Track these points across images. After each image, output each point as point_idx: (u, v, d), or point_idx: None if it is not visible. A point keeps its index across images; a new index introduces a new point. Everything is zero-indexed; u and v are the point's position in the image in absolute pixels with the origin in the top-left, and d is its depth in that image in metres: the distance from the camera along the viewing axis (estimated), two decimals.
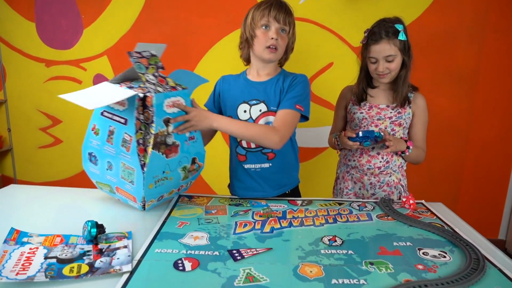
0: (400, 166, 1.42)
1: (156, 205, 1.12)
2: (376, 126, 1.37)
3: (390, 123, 1.36)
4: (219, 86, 1.32)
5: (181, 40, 2.17)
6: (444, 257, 0.85)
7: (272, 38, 1.16)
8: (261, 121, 1.22)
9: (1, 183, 2.41)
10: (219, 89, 1.32)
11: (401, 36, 1.25)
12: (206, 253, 0.84)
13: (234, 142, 1.29)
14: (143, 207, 1.07)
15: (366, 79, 1.39)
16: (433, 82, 2.12)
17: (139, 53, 1.06)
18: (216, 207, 1.12)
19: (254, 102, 1.23)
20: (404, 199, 1.16)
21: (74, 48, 2.22)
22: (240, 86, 1.27)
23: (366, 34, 1.32)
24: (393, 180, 1.40)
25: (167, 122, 1.01)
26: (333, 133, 1.52)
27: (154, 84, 1.03)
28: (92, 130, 1.07)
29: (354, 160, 1.41)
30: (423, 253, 0.87)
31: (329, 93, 2.13)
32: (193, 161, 1.12)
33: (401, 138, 1.36)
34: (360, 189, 1.43)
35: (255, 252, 0.85)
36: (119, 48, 2.20)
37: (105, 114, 1.04)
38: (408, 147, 1.34)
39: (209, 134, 1.34)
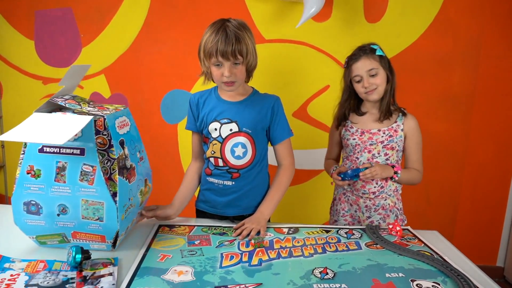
0: (395, 190, 1.41)
1: (123, 240, 1.02)
2: (369, 152, 1.37)
3: (382, 148, 1.36)
4: (193, 105, 1.29)
5: (179, 60, 2.18)
6: None
7: (226, 76, 1.14)
8: (230, 141, 1.22)
9: None
10: (194, 108, 1.29)
11: (379, 52, 1.31)
12: None
13: (205, 158, 1.30)
14: (113, 245, 0.96)
15: (354, 104, 1.42)
16: (429, 106, 2.13)
17: (61, 97, 0.98)
18: (199, 237, 1.07)
19: (226, 121, 1.22)
20: (390, 226, 1.15)
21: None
22: (211, 104, 1.25)
23: (346, 59, 1.39)
24: (388, 204, 1.39)
25: (122, 144, 0.95)
26: (328, 158, 1.54)
27: (96, 110, 0.94)
28: (28, 173, 0.90)
29: (349, 184, 1.41)
30: (417, 285, 0.85)
31: (325, 116, 2.13)
32: (145, 183, 1.06)
33: (387, 164, 1.36)
34: (356, 211, 1.42)
35: None
36: (117, 67, 2.21)
37: (48, 150, 0.90)
38: (395, 172, 1.33)
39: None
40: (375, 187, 1.37)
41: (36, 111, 0.93)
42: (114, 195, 0.89)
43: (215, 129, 1.23)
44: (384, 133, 1.36)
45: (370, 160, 1.37)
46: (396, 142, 1.37)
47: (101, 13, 2.16)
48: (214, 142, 1.23)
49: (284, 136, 1.27)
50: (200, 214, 1.36)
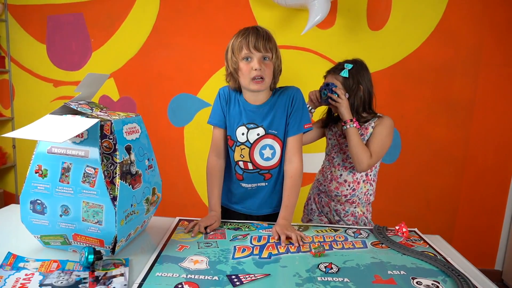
0: (367, 198, 1.45)
1: (124, 246, 1.00)
2: (344, 153, 1.44)
3: None
4: (223, 97, 1.27)
5: (186, 65, 2.24)
6: (437, 287, 0.86)
7: (256, 69, 1.12)
8: (258, 145, 1.24)
9: (3, 199, 2.43)
10: (223, 100, 1.27)
11: (343, 73, 1.38)
12: (206, 277, 0.85)
13: (232, 161, 1.29)
14: (112, 250, 0.94)
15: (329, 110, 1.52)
16: (429, 112, 2.17)
17: (76, 101, 1.00)
18: (215, 231, 1.14)
19: (252, 126, 1.23)
20: (397, 227, 1.19)
21: (82, 69, 2.29)
22: (238, 107, 1.25)
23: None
24: (358, 212, 1.45)
25: (129, 150, 0.95)
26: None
27: (106, 115, 0.96)
28: (36, 172, 0.91)
29: (324, 185, 1.49)
30: (417, 283, 0.88)
31: None
32: (153, 192, 1.07)
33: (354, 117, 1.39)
34: (327, 213, 1.50)
35: (253, 278, 0.86)
36: (126, 71, 2.27)
37: (55, 150, 0.91)
38: (351, 120, 1.35)
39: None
40: (347, 189, 1.43)
41: (51, 114, 0.95)
42: (114, 199, 0.89)
43: (242, 134, 1.23)
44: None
45: (344, 161, 1.44)
46: (367, 140, 1.41)
47: (111, 19, 2.22)
48: (242, 146, 1.24)
49: (295, 130, 1.23)
50: (236, 216, 1.35)
